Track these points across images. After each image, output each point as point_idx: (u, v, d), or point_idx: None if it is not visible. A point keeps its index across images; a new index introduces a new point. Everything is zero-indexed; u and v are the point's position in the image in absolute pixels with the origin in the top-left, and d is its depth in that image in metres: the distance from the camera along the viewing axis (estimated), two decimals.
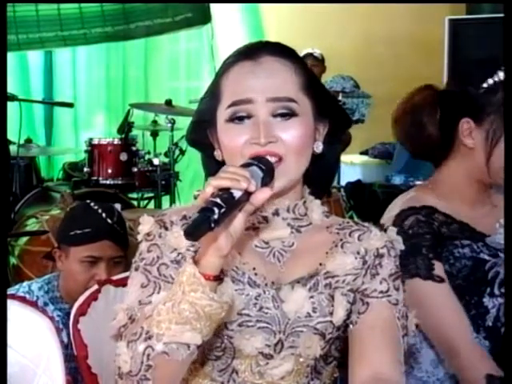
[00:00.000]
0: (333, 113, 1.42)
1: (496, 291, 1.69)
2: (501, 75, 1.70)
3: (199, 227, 1.09)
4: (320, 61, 5.74)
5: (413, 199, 1.76)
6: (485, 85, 1.70)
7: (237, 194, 1.14)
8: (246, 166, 1.22)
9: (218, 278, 1.21)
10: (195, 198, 1.11)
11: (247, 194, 1.16)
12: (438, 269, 1.67)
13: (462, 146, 1.74)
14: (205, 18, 5.84)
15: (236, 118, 1.33)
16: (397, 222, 1.69)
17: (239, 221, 1.18)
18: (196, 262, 1.20)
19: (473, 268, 1.69)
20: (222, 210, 1.10)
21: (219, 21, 6.44)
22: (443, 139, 1.75)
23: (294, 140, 1.32)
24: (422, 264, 1.66)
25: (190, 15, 5.75)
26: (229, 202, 1.12)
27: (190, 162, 5.26)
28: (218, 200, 1.11)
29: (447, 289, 1.67)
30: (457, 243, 1.69)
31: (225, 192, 1.13)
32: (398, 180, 5.49)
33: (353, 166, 6.30)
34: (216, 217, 1.09)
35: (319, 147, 1.39)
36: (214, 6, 6.14)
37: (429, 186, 1.81)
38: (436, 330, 1.67)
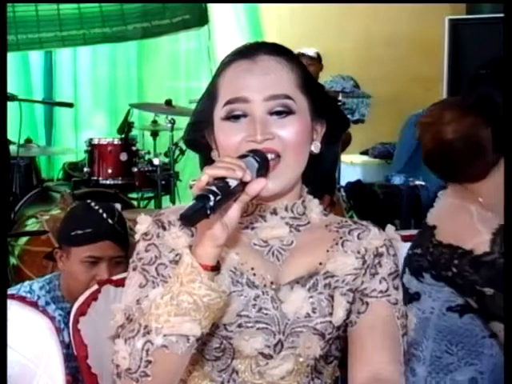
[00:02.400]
0: (330, 113, 1.42)
1: None
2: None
3: (195, 213, 1.10)
4: (315, 59, 5.73)
5: (483, 217, 1.67)
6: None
7: (232, 183, 1.15)
8: (241, 157, 1.23)
9: (216, 268, 1.21)
10: (191, 187, 1.12)
11: (242, 184, 1.17)
12: None
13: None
14: (202, 20, 5.84)
15: (232, 117, 1.33)
16: (496, 249, 1.61)
17: (234, 211, 1.19)
18: (193, 253, 1.20)
19: None
20: (218, 198, 1.11)
21: (218, 21, 6.44)
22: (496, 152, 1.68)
23: (291, 137, 1.32)
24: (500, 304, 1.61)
25: (188, 17, 5.74)
26: (224, 191, 1.13)
27: (188, 163, 5.25)
28: (214, 188, 1.12)
29: None
30: None
31: (220, 181, 1.14)
32: (397, 180, 5.49)
33: (353, 166, 6.30)
34: (212, 204, 1.10)
35: (317, 147, 1.40)
36: (213, 7, 6.15)
37: (475, 197, 1.72)
38: None
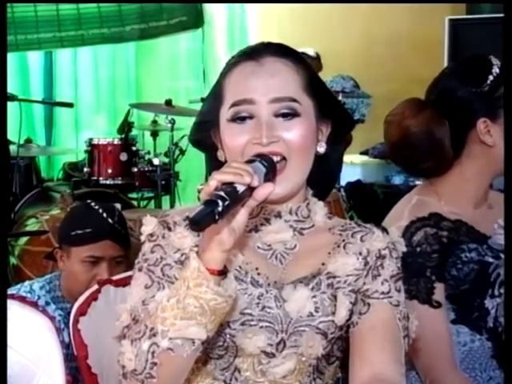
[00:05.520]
0: (335, 113, 1.43)
1: (496, 292, 1.69)
2: (497, 69, 1.71)
3: (204, 218, 1.11)
4: (314, 59, 5.71)
5: (419, 206, 1.74)
6: (488, 81, 1.70)
7: (240, 188, 1.15)
8: (249, 162, 1.24)
9: (222, 273, 1.22)
10: (199, 192, 1.14)
11: (250, 189, 1.17)
12: (438, 292, 1.67)
13: (477, 146, 1.72)
14: (198, 22, 5.84)
15: (238, 118, 1.34)
16: (406, 236, 1.67)
17: (242, 216, 1.19)
18: (199, 257, 1.20)
19: (479, 271, 1.68)
20: (226, 203, 1.12)
21: (214, 22, 6.45)
22: (454, 147, 1.72)
23: (296, 140, 1.32)
24: (424, 288, 1.66)
25: (185, 19, 5.75)
26: (232, 196, 1.13)
27: (188, 163, 5.25)
28: (222, 193, 1.13)
29: (441, 315, 1.67)
30: (464, 247, 1.69)
31: (228, 186, 1.15)
32: (397, 180, 5.49)
33: (353, 166, 6.29)
34: (220, 209, 1.11)
35: (322, 148, 1.40)
36: (209, 8, 6.15)
37: (431, 187, 1.78)
38: (421, 354, 1.66)
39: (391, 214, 1.78)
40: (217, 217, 1.11)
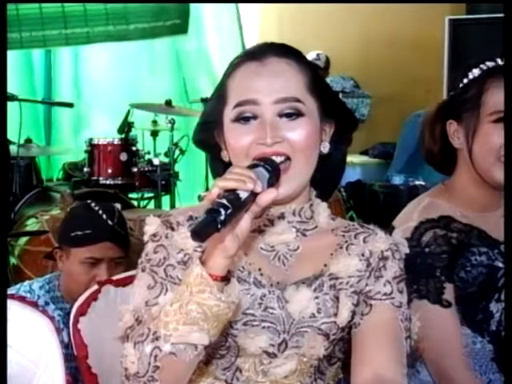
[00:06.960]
0: (339, 113, 1.43)
1: (503, 297, 1.68)
2: (475, 72, 1.72)
3: (206, 228, 1.10)
4: (321, 69, 5.74)
5: (429, 208, 1.74)
6: (461, 84, 1.73)
7: (243, 194, 1.14)
8: (252, 167, 1.23)
9: (225, 279, 1.21)
10: (201, 198, 1.13)
11: (253, 195, 1.16)
12: (448, 292, 1.67)
13: (458, 149, 1.75)
14: (187, 26, 5.81)
15: (242, 119, 1.34)
16: (415, 237, 1.68)
17: (245, 221, 1.18)
18: (203, 263, 1.20)
19: (487, 275, 1.68)
20: (229, 211, 1.10)
21: (212, 22, 6.45)
22: (445, 146, 1.75)
23: (300, 140, 1.32)
24: (433, 287, 1.66)
25: (178, 22, 5.73)
26: (235, 203, 1.12)
27: (187, 163, 5.25)
28: (225, 201, 1.11)
29: (452, 314, 1.67)
30: (474, 250, 1.69)
31: (231, 193, 1.13)
32: (397, 180, 5.48)
33: (353, 166, 6.29)
34: (222, 218, 1.10)
35: (326, 148, 1.40)
36: (209, 8, 6.16)
37: (443, 189, 1.79)
38: (433, 354, 1.66)
39: (401, 215, 1.79)
40: (219, 226, 1.10)
